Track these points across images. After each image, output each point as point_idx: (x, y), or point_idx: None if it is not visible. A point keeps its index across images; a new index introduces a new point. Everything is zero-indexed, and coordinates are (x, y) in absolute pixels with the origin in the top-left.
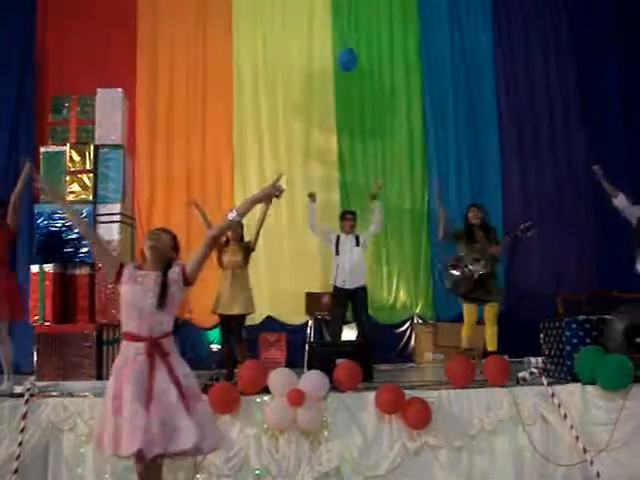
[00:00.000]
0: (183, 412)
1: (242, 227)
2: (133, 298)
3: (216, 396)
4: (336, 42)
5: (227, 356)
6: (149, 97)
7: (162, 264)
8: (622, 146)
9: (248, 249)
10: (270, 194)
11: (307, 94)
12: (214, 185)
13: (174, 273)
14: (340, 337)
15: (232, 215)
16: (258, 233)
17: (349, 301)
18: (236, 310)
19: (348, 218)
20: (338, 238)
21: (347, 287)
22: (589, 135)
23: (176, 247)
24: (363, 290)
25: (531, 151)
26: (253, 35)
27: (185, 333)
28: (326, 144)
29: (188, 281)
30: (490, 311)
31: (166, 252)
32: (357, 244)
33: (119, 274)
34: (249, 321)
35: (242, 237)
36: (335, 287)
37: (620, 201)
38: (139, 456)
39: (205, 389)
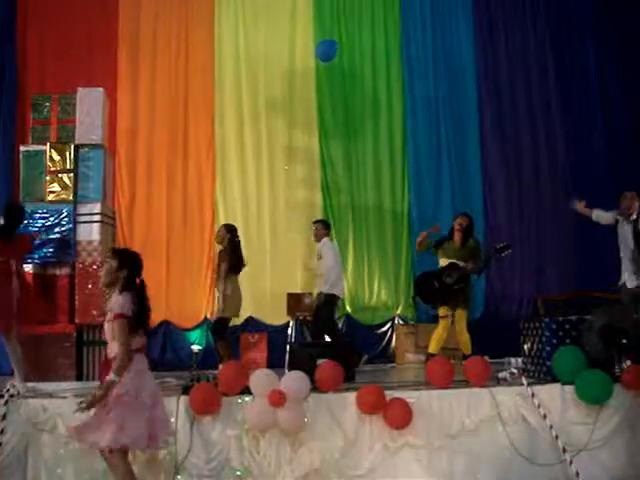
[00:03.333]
0: None
1: (235, 231)
2: None
3: (197, 397)
4: (318, 40)
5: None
6: (130, 95)
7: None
8: (601, 146)
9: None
10: None
11: (289, 92)
12: (195, 184)
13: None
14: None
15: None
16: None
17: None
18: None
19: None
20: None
21: (341, 296)
22: (570, 138)
23: (124, 265)
24: (319, 294)
25: (512, 152)
26: (235, 33)
27: (165, 334)
28: (308, 143)
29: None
30: (461, 319)
31: (113, 279)
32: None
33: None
34: (230, 321)
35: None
36: (335, 296)
37: (596, 216)
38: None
39: (186, 390)
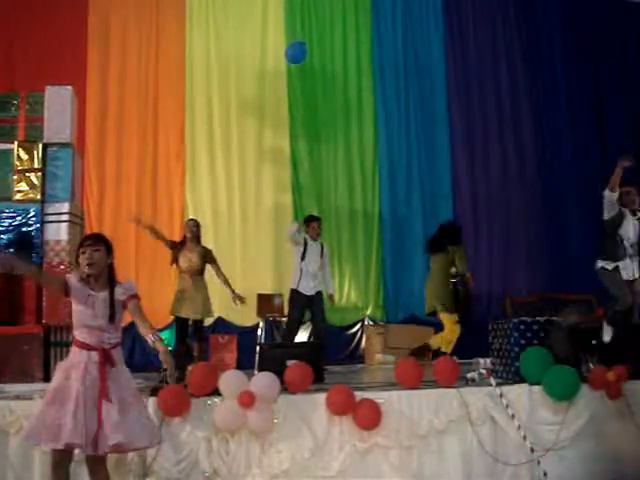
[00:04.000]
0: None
1: (198, 226)
2: (84, 318)
3: (166, 398)
4: (289, 40)
5: (182, 356)
6: (100, 94)
7: (104, 279)
8: (569, 145)
9: (206, 255)
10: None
11: (260, 93)
12: (165, 184)
13: (120, 295)
14: (294, 339)
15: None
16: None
17: (307, 306)
18: (198, 314)
19: (316, 226)
20: (306, 244)
21: (308, 293)
22: (539, 138)
23: (109, 249)
24: (320, 294)
25: (481, 153)
26: (206, 32)
27: (134, 335)
28: (279, 144)
29: (127, 309)
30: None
31: (103, 265)
32: (321, 255)
33: (66, 290)
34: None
35: (199, 238)
36: (296, 291)
37: (613, 196)
38: (69, 450)
39: (155, 391)
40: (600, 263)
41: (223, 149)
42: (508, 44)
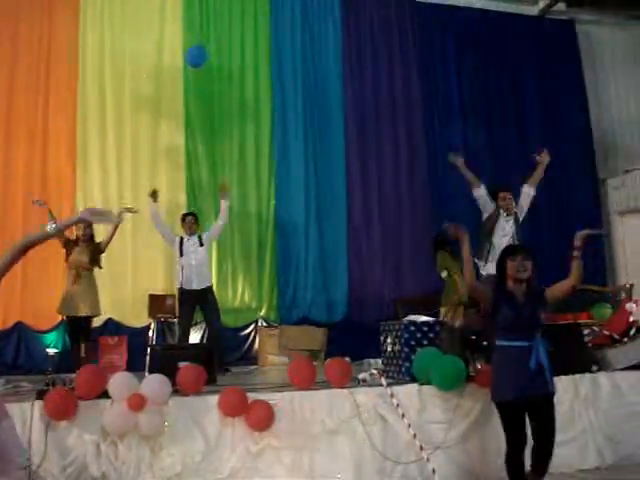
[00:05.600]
0: None
1: (91, 226)
2: None
3: (52, 401)
4: (187, 38)
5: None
6: None
7: None
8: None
9: (97, 250)
10: (107, 221)
11: (155, 90)
12: (55, 181)
13: None
14: (188, 339)
15: (51, 227)
16: (110, 238)
17: (197, 303)
18: (84, 311)
19: (188, 220)
20: (181, 240)
21: (194, 288)
22: (430, 140)
23: None
24: (210, 291)
25: (374, 157)
26: (101, 24)
27: (20, 336)
28: (174, 142)
29: None
30: None
31: None
32: (201, 244)
33: None
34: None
35: (92, 237)
36: (181, 289)
37: (482, 191)
38: None
39: (41, 394)
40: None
41: (116, 148)
42: (403, 44)
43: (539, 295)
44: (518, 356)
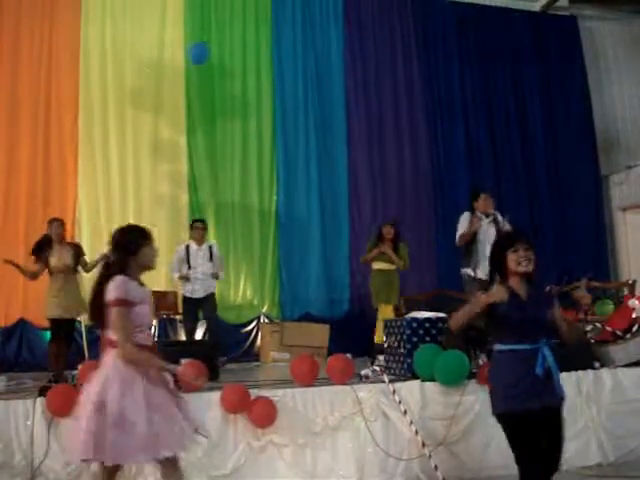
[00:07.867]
0: None
1: (64, 226)
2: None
3: (55, 398)
4: (188, 36)
5: (56, 357)
6: None
7: None
8: (462, 148)
9: (78, 252)
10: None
11: (157, 87)
12: (58, 178)
13: None
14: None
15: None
16: (94, 266)
17: (200, 305)
18: (74, 314)
19: (198, 227)
20: (188, 248)
21: (197, 296)
22: (432, 141)
23: None
24: (213, 295)
25: (377, 153)
26: (102, 19)
27: (22, 333)
28: (175, 138)
29: None
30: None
31: None
32: (210, 258)
33: None
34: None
35: (64, 237)
36: (186, 297)
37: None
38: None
39: (43, 391)
40: None
41: (118, 143)
42: (405, 43)
43: (544, 291)
44: (522, 362)
